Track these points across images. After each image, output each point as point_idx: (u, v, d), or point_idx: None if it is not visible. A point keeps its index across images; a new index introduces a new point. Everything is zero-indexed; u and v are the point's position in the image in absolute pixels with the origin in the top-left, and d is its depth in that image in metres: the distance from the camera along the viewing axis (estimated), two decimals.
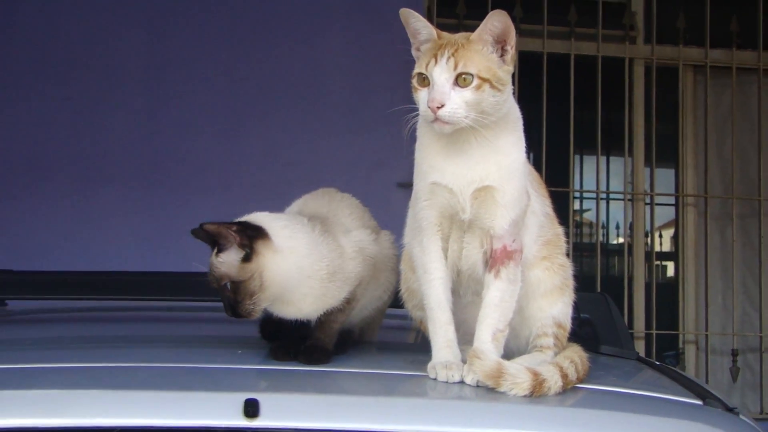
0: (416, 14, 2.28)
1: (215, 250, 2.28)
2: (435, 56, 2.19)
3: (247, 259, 2.25)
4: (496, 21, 2.21)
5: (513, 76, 2.27)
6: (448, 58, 2.18)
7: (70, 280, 3.43)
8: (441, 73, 2.17)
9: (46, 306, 3.67)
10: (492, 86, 2.17)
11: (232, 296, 2.25)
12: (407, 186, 5.74)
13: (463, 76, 2.16)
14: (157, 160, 6.12)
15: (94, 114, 6.11)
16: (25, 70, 6.11)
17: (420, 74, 2.22)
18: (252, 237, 2.26)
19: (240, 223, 2.28)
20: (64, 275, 3.56)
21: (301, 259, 2.31)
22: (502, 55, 2.23)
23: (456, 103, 2.16)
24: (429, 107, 2.16)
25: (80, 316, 3.55)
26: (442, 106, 2.15)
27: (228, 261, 2.26)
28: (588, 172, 6.87)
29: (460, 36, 2.24)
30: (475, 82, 2.16)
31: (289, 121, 6.23)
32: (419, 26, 2.28)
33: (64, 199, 6.01)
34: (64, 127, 6.07)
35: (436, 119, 2.16)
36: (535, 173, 2.52)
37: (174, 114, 6.17)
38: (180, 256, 5.72)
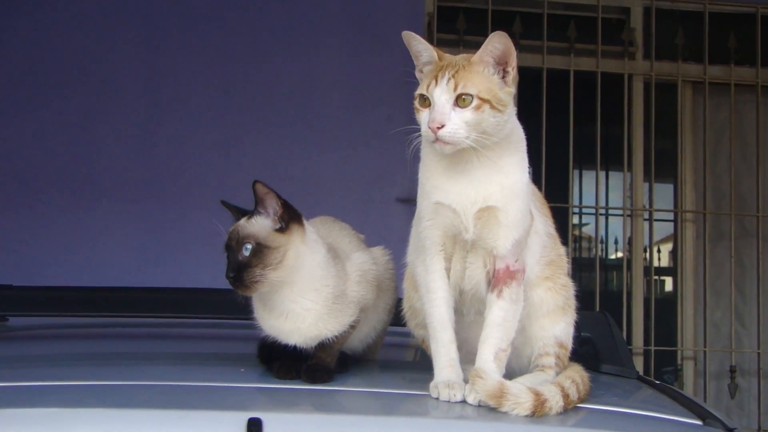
0: (417, 37, 2.31)
1: (246, 217, 2.33)
2: (436, 78, 2.22)
3: (280, 231, 2.30)
4: (497, 42, 2.22)
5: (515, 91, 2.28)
6: (449, 79, 2.20)
7: (71, 297, 3.44)
8: (441, 94, 2.19)
9: (47, 322, 3.66)
10: (492, 107, 2.19)
11: (247, 259, 2.26)
12: (407, 201, 5.79)
13: (463, 96, 2.18)
14: (153, 174, 6.12)
15: (90, 129, 6.11)
16: (21, 85, 6.11)
17: (422, 95, 2.25)
18: (291, 216, 2.33)
19: (285, 199, 2.34)
20: (65, 291, 3.57)
21: (315, 269, 2.34)
22: (503, 77, 2.24)
23: (456, 123, 2.17)
24: (429, 128, 2.18)
25: (82, 333, 3.54)
26: (443, 126, 2.17)
27: (260, 224, 2.31)
28: (587, 188, 6.88)
29: (461, 57, 2.26)
30: (475, 102, 2.18)
31: (287, 135, 6.23)
32: (421, 48, 2.31)
33: (61, 214, 6.00)
34: (60, 142, 6.07)
35: (437, 139, 2.18)
36: (538, 193, 2.52)
37: (170, 128, 6.17)
38: (177, 270, 5.77)
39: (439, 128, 2.17)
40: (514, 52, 2.24)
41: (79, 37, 6.17)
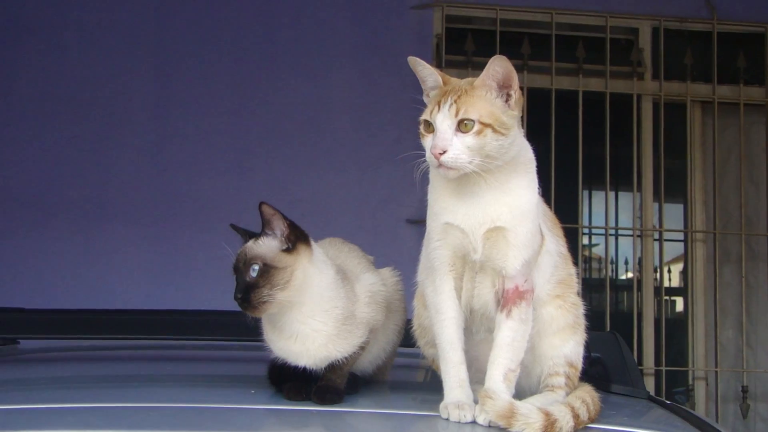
0: (422, 62, 2.33)
1: (254, 239, 2.35)
2: (438, 103, 2.23)
3: (287, 251, 2.31)
4: (497, 66, 2.23)
5: (522, 113, 2.28)
6: (451, 105, 2.21)
7: (82, 319, 3.44)
8: (443, 120, 2.21)
9: (57, 345, 3.68)
10: (495, 131, 2.19)
11: (255, 280, 2.27)
12: (417, 223, 5.80)
13: (465, 122, 2.19)
14: (164, 197, 6.14)
15: (102, 152, 6.14)
16: (33, 109, 6.15)
17: (426, 121, 2.26)
18: (298, 237, 2.34)
19: (291, 220, 2.36)
20: (75, 314, 3.57)
21: (324, 289, 2.35)
22: (507, 100, 2.25)
23: (458, 148, 2.18)
24: (432, 153, 2.20)
25: (92, 355, 3.56)
26: (445, 152, 2.18)
27: (267, 245, 2.32)
28: (597, 208, 6.88)
29: (465, 82, 2.28)
30: (476, 127, 2.19)
31: (296, 157, 6.25)
32: (426, 74, 2.33)
33: (72, 237, 6.03)
34: (72, 165, 6.10)
35: (441, 165, 2.19)
36: (550, 213, 2.53)
37: (181, 151, 6.20)
38: (187, 292, 5.77)
39: (441, 154, 2.18)
40: (515, 75, 2.25)
41: (91, 63, 6.21)
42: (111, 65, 6.22)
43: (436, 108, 2.23)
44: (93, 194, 6.10)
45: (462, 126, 2.20)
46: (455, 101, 2.21)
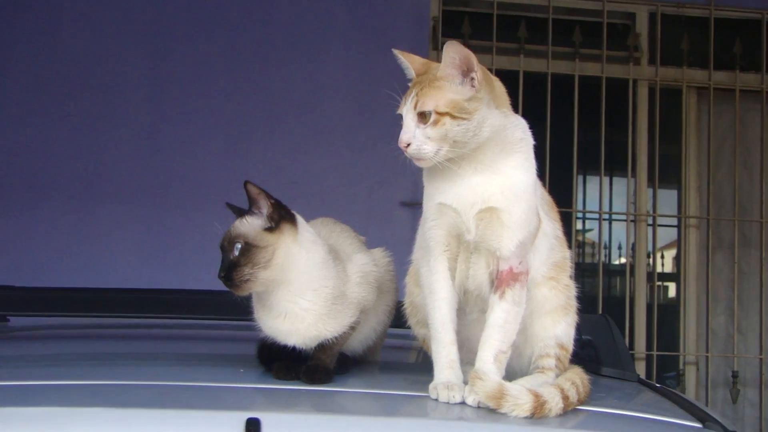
0: (400, 56, 2.38)
1: (241, 218, 2.35)
2: (406, 97, 2.27)
3: (270, 230, 2.31)
4: (452, 53, 2.24)
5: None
6: (413, 98, 2.25)
7: (72, 297, 3.44)
8: (407, 113, 2.25)
9: (47, 323, 3.67)
10: (453, 117, 2.21)
11: (237, 259, 2.27)
12: (410, 205, 5.78)
13: (424, 113, 2.22)
14: (157, 177, 6.13)
15: (95, 131, 6.12)
16: (26, 88, 6.12)
17: (400, 115, 2.29)
18: (282, 216, 2.34)
19: (277, 199, 2.35)
20: (65, 292, 3.57)
21: (311, 269, 2.35)
22: (473, 85, 2.24)
23: (419, 140, 2.22)
24: (399, 146, 2.23)
25: (82, 333, 3.55)
26: (409, 144, 2.21)
27: (251, 223, 2.32)
28: (591, 193, 6.88)
29: (432, 71, 2.30)
30: (433, 117, 2.21)
31: (291, 139, 6.24)
32: (404, 67, 2.38)
33: (65, 216, 6.02)
34: (65, 144, 6.09)
35: (410, 157, 2.23)
36: (548, 196, 2.54)
37: (175, 132, 6.18)
38: (180, 272, 5.76)
39: (406, 147, 2.21)
40: (473, 57, 2.25)
41: (85, 42, 6.18)
42: (105, 45, 6.20)
43: (404, 101, 2.27)
44: (86, 174, 6.08)
45: (422, 118, 2.22)
46: (417, 94, 2.24)
